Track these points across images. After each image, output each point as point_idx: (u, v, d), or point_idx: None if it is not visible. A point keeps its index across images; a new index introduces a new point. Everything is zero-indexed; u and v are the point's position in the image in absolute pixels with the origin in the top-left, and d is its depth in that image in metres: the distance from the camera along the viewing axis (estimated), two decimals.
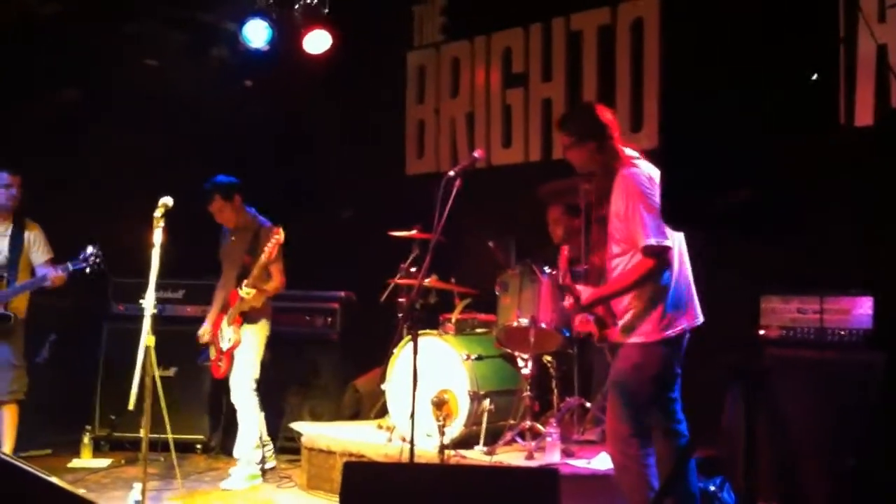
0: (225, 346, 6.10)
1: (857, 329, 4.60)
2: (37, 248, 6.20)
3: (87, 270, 5.94)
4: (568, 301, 4.40)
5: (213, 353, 6.20)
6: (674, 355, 4.10)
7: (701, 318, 4.16)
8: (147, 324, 4.82)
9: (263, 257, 5.85)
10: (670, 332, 4.05)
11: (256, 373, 6.14)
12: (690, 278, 4.17)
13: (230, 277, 6.24)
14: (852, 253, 4.96)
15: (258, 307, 6.11)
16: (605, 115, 4.24)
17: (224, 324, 6.14)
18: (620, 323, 4.14)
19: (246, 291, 5.96)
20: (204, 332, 6.23)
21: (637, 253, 4.02)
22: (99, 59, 7.31)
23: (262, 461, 6.30)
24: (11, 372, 6.05)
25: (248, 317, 6.11)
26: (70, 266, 5.95)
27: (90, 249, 5.93)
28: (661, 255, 3.96)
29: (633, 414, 4.08)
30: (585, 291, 4.19)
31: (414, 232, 6.16)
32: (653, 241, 3.93)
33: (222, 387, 6.45)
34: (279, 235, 5.85)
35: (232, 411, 6.24)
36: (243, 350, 6.09)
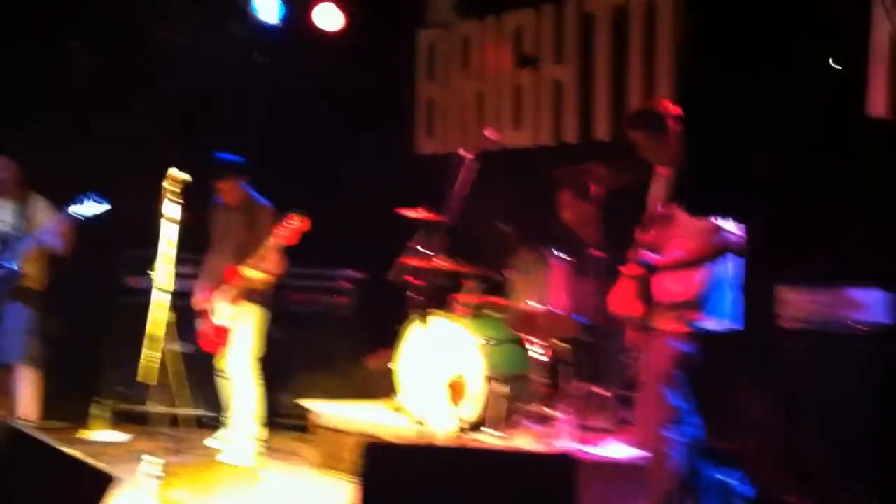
0: (221, 321, 6.09)
1: (873, 322, 4.63)
2: (42, 214, 6.32)
3: (86, 211, 6.00)
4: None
5: (202, 325, 6.16)
6: (710, 347, 4.21)
7: (740, 325, 4.25)
8: (166, 299, 4.81)
9: (273, 240, 5.82)
10: (711, 326, 4.18)
11: (256, 349, 6.14)
12: (738, 283, 4.27)
13: (225, 252, 6.20)
14: (867, 245, 4.98)
15: (260, 287, 6.12)
16: (671, 107, 4.36)
17: (220, 299, 6.11)
18: (667, 308, 4.19)
19: (251, 272, 5.96)
20: (197, 300, 6.20)
21: (702, 235, 4.11)
22: (110, 31, 7.28)
23: (260, 436, 6.31)
24: (23, 336, 6.21)
25: (249, 295, 6.10)
26: (68, 209, 6.02)
27: (88, 193, 6.03)
28: (733, 244, 4.09)
29: (671, 399, 4.16)
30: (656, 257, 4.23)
31: (423, 211, 6.16)
32: (728, 227, 4.06)
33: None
34: (297, 222, 5.77)
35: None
36: (243, 326, 6.09)
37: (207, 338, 6.17)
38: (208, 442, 6.05)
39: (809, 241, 4.59)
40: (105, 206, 6.01)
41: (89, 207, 5.96)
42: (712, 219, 4.10)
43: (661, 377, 4.19)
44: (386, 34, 7.94)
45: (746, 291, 4.28)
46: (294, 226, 5.79)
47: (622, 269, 4.41)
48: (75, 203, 5.98)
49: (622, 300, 4.38)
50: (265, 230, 6.01)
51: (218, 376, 6.24)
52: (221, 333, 6.10)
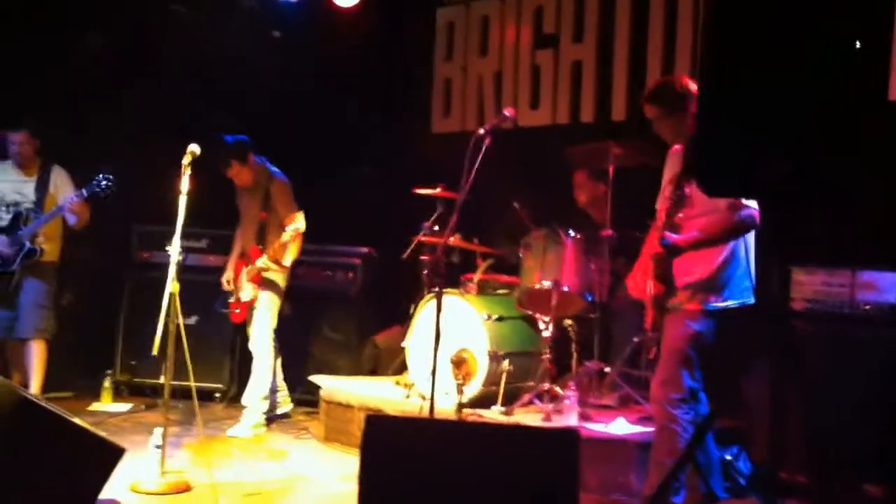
0: (244, 297, 6.20)
1: (886, 303, 4.58)
2: (62, 189, 6.34)
3: (102, 195, 6.01)
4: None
5: (232, 299, 6.29)
6: (727, 325, 4.18)
7: (754, 298, 4.19)
8: (172, 270, 4.83)
9: (285, 237, 5.82)
10: (731, 304, 4.15)
11: (274, 324, 6.26)
12: (752, 255, 4.21)
13: (248, 231, 6.30)
14: (882, 227, 4.92)
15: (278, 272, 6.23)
16: (690, 84, 4.27)
17: (243, 275, 6.20)
18: (686, 286, 4.16)
19: (266, 264, 6.07)
20: (227, 277, 6.34)
21: (716, 213, 4.08)
22: (126, 4, 7.28)
23: (272, 409, 6.43)
24: (39, 311, 6.24)
25: (268, 276, 6.20)
26: (84, 192, 6.05)
27: (101, 175, 6.01)
28: (751, 219, 4.04)
29: (685, 379, 4.13)
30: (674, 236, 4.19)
31: (438, 190, 6.15)
32: (748, 204, 4.01)
33: (242, 336, 6.51)
34: (299, 223, 5.77)
35: (248, 360, 6.32)
36: (261, 306, 6.20)
37: (235, 312, 6.29)
38: (229, 432, 6.09)
39: (823, 223, 4.52)
40: (114, 188, 6.02)
41: (103, 188, 5.97)
42: (728, 197, 4.04)
43: (674, 356, 4.16)
44: (403, 11, 7.91)
45: (760, 272, 4.23)
46: (298, 228, 5.79)
47: (644, 248, 4.35)
48: (91, 185, 5.99)
49: (641, 281, 4.35)
50: (283, 207, 6.03)
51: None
52: (246, 309, 6.21)
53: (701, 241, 4.14)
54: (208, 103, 7.45)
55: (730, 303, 4.13)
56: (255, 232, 6.22)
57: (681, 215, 4.14)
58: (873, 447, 4.37)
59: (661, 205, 4.37)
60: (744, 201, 4.03)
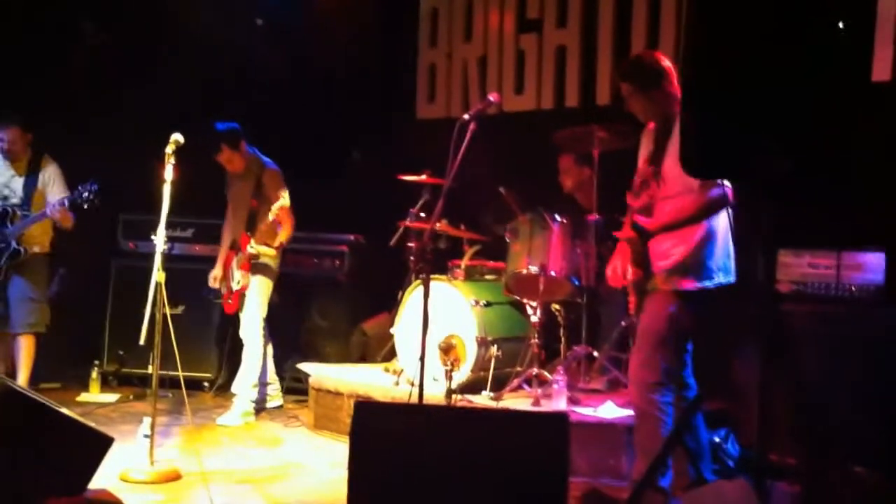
0: (235, 286, 6.19)
1: (872, 284, 4.61)
2: (52, 186, 6.32)
3: (84, 205, 5.95)
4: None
5: (223, 290, 6.28)
6: (706, 307, 4.14)
7: (734, 277, 4.17)
8: (158, 260, 4.81)
9: (272, 217, 5.86)
10: (709, 284, 4.09)
11: (265, 312, 6.26)
12: (731, 235, 4.19)
13: (239, 219, 6.28)
14: (866, 208, 4.94)
15: (269, 258, 6.23)
16: (664, 62, 4.25)
17: (234, 264, 6.19)
18: (663, 269, 4.14)
19: (257, 249, 6.08)
20: (215, 274, 6.33)
21: (690, 194, 4.05)
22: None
23: (264, 400, 6.44)
24: (28, 305, 6.22)
25: (258, 264, 6.20)
26: (66, 201, 6.01)
27: (90, 183, 5.95)
28: (723, 197, 4.00)
29: (662, 362, 4.12)
30: (647, 221, 4.18)
31: (424, 177, 6.14)
32: (719, 182, 3.96)
33: (230, 325, 6.50)
34: (284, 200, 5.87)
35: (239, 349, 6.32)
36: (252, 292, 6.20)
37: (226, 302, 6.28)
38: (219, 420, 6.09)
39: (809, 205, 4.54)
40: (99, 197, 5.96)
41: (85, 199, 5.92)
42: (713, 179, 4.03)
43: (651, 337, 4.15)
44: None
45: (746, 255, 4.24)
46: (283, 205, 5.83)
47: (617, 234, 4.36)
48: (76, 193, 5.94)
49: (619, 268, 4.34)
50: (273, 195, 6.04)
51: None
52: (238, 298, 6.21)
53: (673, 222, 4.10)
54: (193, 92, 7.41)
55: (707, 283, 4.08)
56: (245, 220, 6.20)
57: (650, 196, 4.12)
58: (862, 428, 4.40)
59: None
60: (713, 182, 4.00)
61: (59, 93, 7.07)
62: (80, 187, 5.92)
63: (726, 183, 3.98)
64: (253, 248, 6.08)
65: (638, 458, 4.26)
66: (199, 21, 7.24)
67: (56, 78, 7.12)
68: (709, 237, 4.10)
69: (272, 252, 6.16)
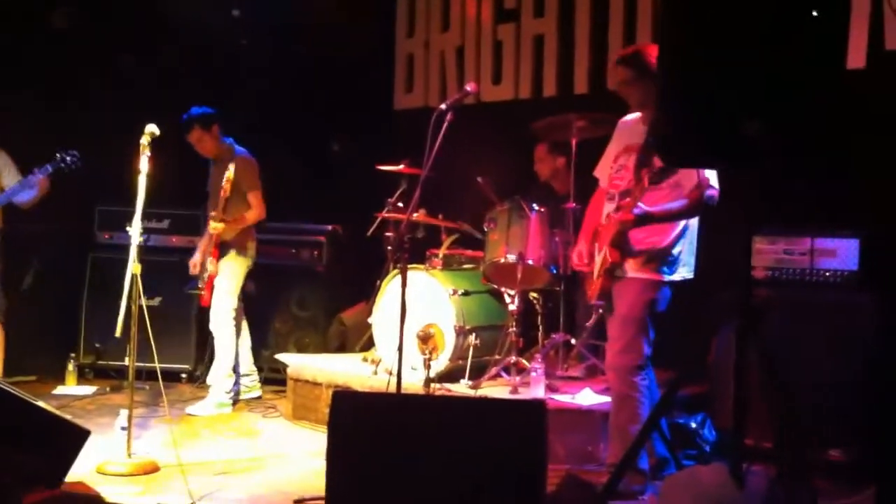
0: (204, 275, 6.15)
1: (845, 270, 4.66)
2: (7, 171, 6.25)
3: (66, 170, 5.96)
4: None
5: (200, 282, 6.23)
6: (672, 298, 4.29)
7: (693, 275, 4.33)
8: (134, 251, 4.78)
9: (221, 192, 5.90)
10: (675, 278, 4.26)
11: (234, 302, 6.21)
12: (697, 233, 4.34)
13: (214, 207, 6.23)
14: (840, 194, 4.98)
15: (231, 239, 6.16)
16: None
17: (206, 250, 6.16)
18: (638, 256, 4.22)
19: (213, 226, 6.03)
20: (194, 260, 6.27)
21: (680, 188, 4.15)
22: None
23: (237, 392, 6.40)
24: None
25: (223, 248, 6.16)
26: (49, 167, 5.98)
27: (65, 151, 5.99)
28: (712, 199, 4.12)
29: (641, 346, 4.22)
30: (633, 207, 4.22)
31: (402, 167, 6.13)
32: (713, 184, 4.11)
33: (208, 317, 6.47)
34: (230, 172, 5.90)
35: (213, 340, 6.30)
36: (220, 280, 6.15)
37: (202, 295, 6.22)
38: (188, 409, 6.07)
39: (783, 191, 4.57)
40: (79, 163, 5.95)
41: (68, 164, 5.89)
42: (693, 171, 4.09)
43: (634, 323, 4.22)
44: None
45: (722, 241, 4.29)
46: (228, 176, 5.89)
47: (613, 215, 4.34)
48: (55, 161, 5.90)
49: (584, 253, 4.41)
50: (245, 182, 6.02)
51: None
52: (211, 289, 6.16)
53: (671, 214, 4.19)
54: (171, 81, 7.37)
55: (675, 276, 4.24)
56: (218, 208, 6.15)
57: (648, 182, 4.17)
58: (836, 411, 4.45)
59: (610, 174, 4.43)
60: (708, 181, 4.10)
61: (33, 82, 6.99)
62: (58, 154, 5.89)
63: (715, 183, 4.10)
64: (212, 226, 6.02)
65: (614, 442, 4.31)
66: (177, 11, 7.17)
67: (29, 67, 7.04)
68: (683, 232, 4.26)
69: (221, 227, 6.03)
